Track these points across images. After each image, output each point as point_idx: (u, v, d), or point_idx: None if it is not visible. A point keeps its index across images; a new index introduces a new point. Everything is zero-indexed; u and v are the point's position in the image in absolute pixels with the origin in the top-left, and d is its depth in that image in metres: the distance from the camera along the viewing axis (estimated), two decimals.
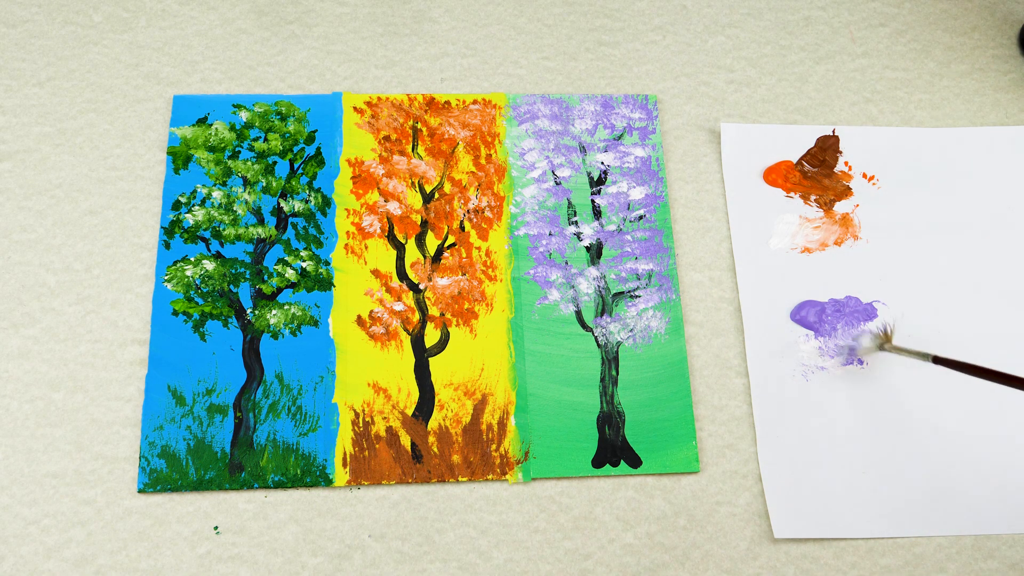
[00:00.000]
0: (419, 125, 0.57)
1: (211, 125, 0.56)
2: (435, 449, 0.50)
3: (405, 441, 0.50)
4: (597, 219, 0.56)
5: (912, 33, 0.64)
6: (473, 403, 0.51)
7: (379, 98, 0.58)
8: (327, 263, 0.53)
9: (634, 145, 0.58)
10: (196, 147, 0.56)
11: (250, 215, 0.54)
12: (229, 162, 0.55)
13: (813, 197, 0.57)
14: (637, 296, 0.54)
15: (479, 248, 0.54)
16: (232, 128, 0.56)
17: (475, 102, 0.58)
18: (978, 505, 0.50)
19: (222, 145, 0.56)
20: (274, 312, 0.52)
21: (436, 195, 0.56)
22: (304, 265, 0.53)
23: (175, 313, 0.51)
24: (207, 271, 0.53)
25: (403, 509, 0.48)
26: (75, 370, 0.50)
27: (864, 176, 0.58)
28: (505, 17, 0.62)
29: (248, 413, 0.50)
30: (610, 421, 0.51)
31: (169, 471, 0.48)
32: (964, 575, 0.49)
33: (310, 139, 0.56)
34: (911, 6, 0.65)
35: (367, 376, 0.51)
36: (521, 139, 0.58)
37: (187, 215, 0.54)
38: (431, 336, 0.52)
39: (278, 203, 0.55)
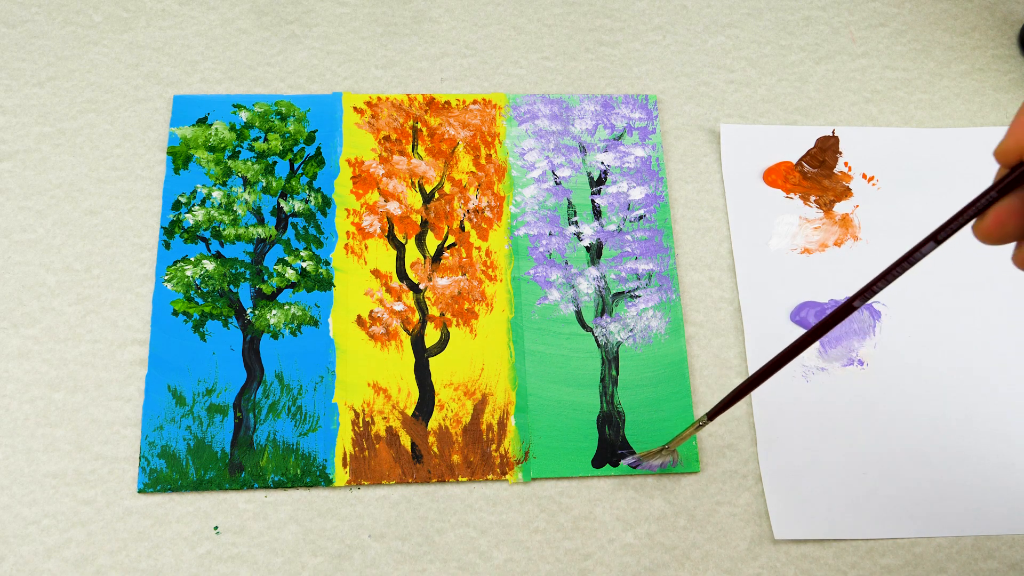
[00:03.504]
0: (419, 125, 0.57)
1: (211, 125, 0.56)
2: (435, 449, 0.50)
3: (405, 441, 0.50)
4: (597, 219, 0.56)
5: (912, 33, 0.64)
6: (473, 403, 0.51)
7: (379, 98, 0.58)
8: (327, 263, 0.53)
9: (634, 145, 0.58)
10: (196, 147, 0.56)
11: (250, 215, 0.54)
12: (229, 162, 0.55)
13: (813, 198, 0.57)
14: (637, 296, 0.54)
15: (479, 248, 0.55)
16: (232, 128, 0.56)
17: (475, 102, 0.58)
18: (978, 505, 0.50)
19: (222, 145, 0.56)
20: (274, 312, 0.52)
21: (436, 195, 0.56)
22: (304, 265, 0.53)
23: (175, 313, 0.51)
24: (207, 271, 0.53)
25: (403, 509, 0.48)
26: (75, 370, 0.50)
27: (864, 177, 0.58)
28: (505, 17, 0.62)
29: (248, 413, 0.50)
30: (610, 421, 0.51)
31: (169, 471, 0.48)
32: (964, 575, 0.49)
33: (310, 139, 0.56)
34: (911, 6, 0.65)
35: (367, 376, 0.51)
36: (521, 139, 0.58)
37: (187, 215, 0.54)
38: (431, 336, 0.52)
39: (278, 203, 0.55)
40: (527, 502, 0.49)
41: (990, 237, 0.30)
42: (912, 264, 0.32)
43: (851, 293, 0.55)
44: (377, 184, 0.56)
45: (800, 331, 0.54)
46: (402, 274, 0.54)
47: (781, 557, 0.49)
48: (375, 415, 0.50)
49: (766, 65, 0.62)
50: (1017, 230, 0.29)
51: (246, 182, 0.55)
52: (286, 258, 0.53)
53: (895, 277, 0.33)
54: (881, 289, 0.33)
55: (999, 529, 0.50)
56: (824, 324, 0.36)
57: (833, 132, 0.59)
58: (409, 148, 0.57)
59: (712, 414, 0.43)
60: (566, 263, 0.55)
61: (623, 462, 0.49)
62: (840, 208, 0.57)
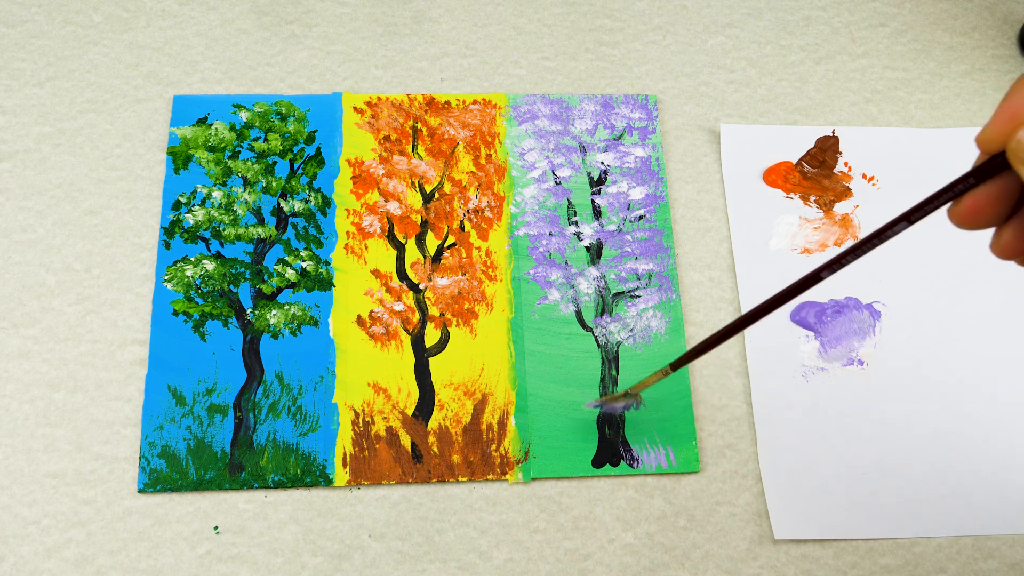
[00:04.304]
0: (419, 125, 0.57)
1: (211, 125, 0.56)
2: (435, 449, 0.50)
3: (405, 441, 0.50)
4: (597, 219, 0.56)
5: (912, 33, 0.64)
6: (473, 403, 0.51)
7: (379, 98, 0.58)
8: (327, 263, 0.53)
9: (634, 145, 0.58)
10: (196, 147, 0.56)
11: (250, 215, 0.54)
12: (229, 162, 0.55)
13: (813, 198, 0.57)
14: (637, 296, 0.54)
15: (479, 248, 0.55)
16: (232, 128, 0.56)
17: (475, 102, 0.58)
18: (978, 505, 0.50)
19: (222, 145, 0.56)
20: (274, 312, 0.52)
21: (436, 195, 0.56)
22: (304, 265, 0.53)
23: (175, 313, 0.51)
24: (207, 271, 0.53)
25: (403, 509, 0.48)
26: (75, 370, 0.50)
27: (864, 177, 0.58)
28: (505, 17, 0.62)
29: (248, 413, 0.50)
30: (610, 421, 0.51)
31: (169, 471, 0.48)
32: (964, 575, 0.49)
33: (310, 139, 0.56)
34: (911, 6, 0.65)
35: (367, 376, 0.51)
36: (521, 139, 0.58)
37: (187, 215, 0.54)
38: (431, 336, 0.52)
39: (278, 203, 0.55)
40: (527, 502, 0.49)
41: (965, 222, 0.29)
42: (883, 241, 0.32)
43: (851, 293, 0.55)
44: (377, 184, 0.56)
45: (800, 331, 0.54)
46: (402, 274, 0.54)
47: (781, 557, 0.49)
48: (375, 415, 0.50)
49: (766, 65, 0.62)
50: (992, 217, 0.29)
51: (246, 182, 0.55)
52: (286, 258, 0.53)
53: (864, 252, 0.32)
54: (850, 262, 0.33)
55: (999, 529, 0.50)
56: (790, 290, 0.35)
57: (833, 132, 0.59)
58: (409, 148, 0.57)
59: (675, 365, 0.43)
60: (566, 263, 0.55)
61: (585, 405, 0.50)
62: (840, 208, 0.57)
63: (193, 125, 0.56)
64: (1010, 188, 0.29)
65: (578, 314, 0.53)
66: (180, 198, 0.54)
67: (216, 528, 0.47)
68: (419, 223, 0.55)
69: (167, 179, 0.55)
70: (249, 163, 0.55)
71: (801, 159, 0.58)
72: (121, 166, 0.55)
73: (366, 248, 0.54)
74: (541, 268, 0.54)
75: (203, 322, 0.51)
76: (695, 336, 0.53)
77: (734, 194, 0.57)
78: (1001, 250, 0.30)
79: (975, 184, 0.29)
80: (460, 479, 0.49)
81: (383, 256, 0.54)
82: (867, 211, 0.57)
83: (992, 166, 0.28)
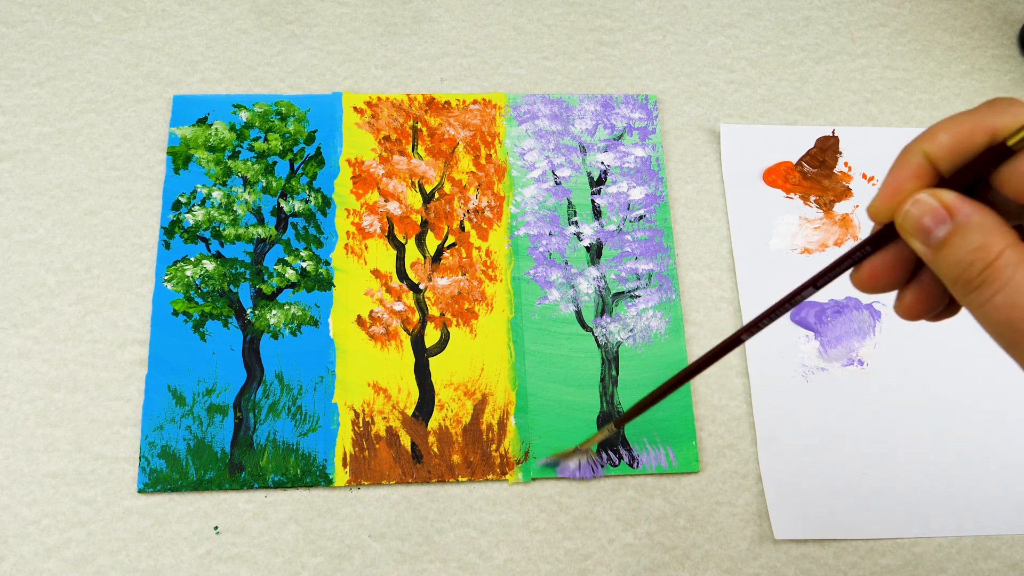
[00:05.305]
0: (419, 125, 0.57)
1: (211, 125, 0.56)
2: (435, 449, 0.50)
3: (405, 441, 0.50)
4: (597, 219, 0.56)
5: (912, 33, 0.64)
6: (473, 403, 0.51)
7: (379, 98, 0.58)
8: (327, 263, 0.53)
9: (634, 145, 0.58)
10: (196, 147, 0.56)
11: (250, 215, 0.54)
12: (229, 162, 0.55)
13: (813, 198, 0.57)
14: (637, 296, 0.54)
15: (479, 248, 0.55)
16: (232, 128, 0.56)
17: (475, 102, 0.58)
18: (978, 505, 0.50)
19: (222, 145, 0.56)
20: (274, 312, 0.52)
21: (436, 195, 0.56)
22: (304, 265, 0.53)
23: (175, 313, 0.51)
24: (207, 271, 0.53)
25: (403, 509, 0.48)
26: (75, 370, 0.50)
27: (864, 177, 0.58)
28: (505, 17, 0.62)
29: (248, 413, 0.50)
30: (610, 421, 0.51)
31: (169, 471, 0.48)
32: (964, 575, 0.49)
33: (310, 139, 0.56)
34: (911, 6, 0.65)
35: (367, 376, 0.51)
36: (521, 139, 0.58)
37: (187, 215, 0.54)
38: (431, 336, 0.52)
39: (278, 203, 0.55)
40: (527, 502, 0.49)
41: (867, 287, 0.31)
42: (794, 306, 0.33)
43: (852, 293, 0.55)
44: (377, 184, 0.56)
45: (800, 331, 0.54)
46: (402, 274, 0.54)
47: (781, 557, 0.49)
48: (375, 415, 0.50)
49: (766, 65, 0.62)
50: (892, 282, 0.30)
51: (246, 182, 0.55)
52: (286, 258, 0.53)
53: (778, 316, 0.34)
54: (766, 326, 0.34)
55: (999, 529, 0.50)
56: (713, 354, 0.36)
57: (833, 132, 0.59)
58: (409, 148, 0.57)
59: (619, 422, 0.43)
60: (566, 263, 0.55)
61: (538, 463, 0.49)
62: (840, 208, 0.57)
63: (193, 125, 0.56)
64: (905, 254, 0.30)
65: (578, 314, 0.53)
66: (180, 198, 0.54)
67: (216, 528, 0.47)
68: (419, 223, 0.55)
69: (167, 179, 0.55)
70: (249, 163, 0.56)
71: (801, 159, 0.58)
72: (121, 166, 0.55)
73: (366, 248, 0.54)
74: (541, 268, 0.54)
75: (203, 322, 0.51)
76: (695, 336, 0.53)
77: (734, 194, 0.57)
78: (905, 311, 0.31)
79: (871, 252, 0.30)
80: (460, 479, 0.49)
81: (383, 256, 0.54)
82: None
83: (885, 235, 0.30)
